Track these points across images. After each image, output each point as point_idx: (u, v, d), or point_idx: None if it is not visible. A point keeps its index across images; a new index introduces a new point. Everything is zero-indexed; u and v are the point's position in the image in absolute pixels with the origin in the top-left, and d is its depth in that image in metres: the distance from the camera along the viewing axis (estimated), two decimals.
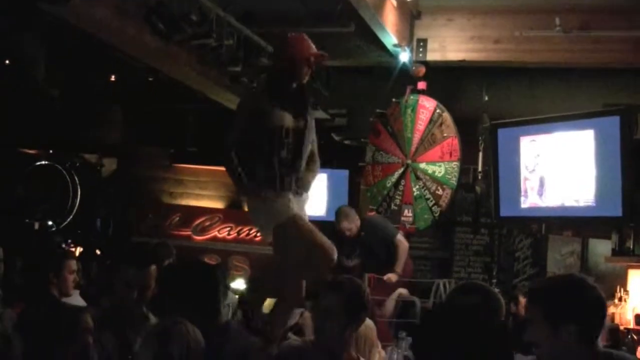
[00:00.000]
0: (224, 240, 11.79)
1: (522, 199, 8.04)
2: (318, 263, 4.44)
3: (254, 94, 4.90)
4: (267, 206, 4.48)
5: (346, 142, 10.19)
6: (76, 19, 6.66)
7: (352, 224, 7.64)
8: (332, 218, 7.99)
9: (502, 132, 8.35)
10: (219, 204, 12.19)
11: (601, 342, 6.85)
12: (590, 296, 2.84)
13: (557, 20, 8.05)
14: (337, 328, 3.58)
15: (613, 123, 7.33)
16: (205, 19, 7.28)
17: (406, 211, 8.83)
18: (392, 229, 7.71)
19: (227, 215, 11.90)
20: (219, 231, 11.81)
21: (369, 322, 4.26)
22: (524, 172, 8.01)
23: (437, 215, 8.74)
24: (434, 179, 8.73)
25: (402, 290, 7.26)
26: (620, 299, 7.43)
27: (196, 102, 10.09)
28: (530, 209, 8.00)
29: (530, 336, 2.88)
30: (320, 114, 9.75)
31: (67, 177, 11.07)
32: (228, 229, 11.78)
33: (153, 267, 4.11)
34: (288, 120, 4.50)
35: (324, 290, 3.66)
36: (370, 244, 7.60)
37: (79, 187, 10.94)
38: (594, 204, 7.51)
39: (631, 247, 7.90)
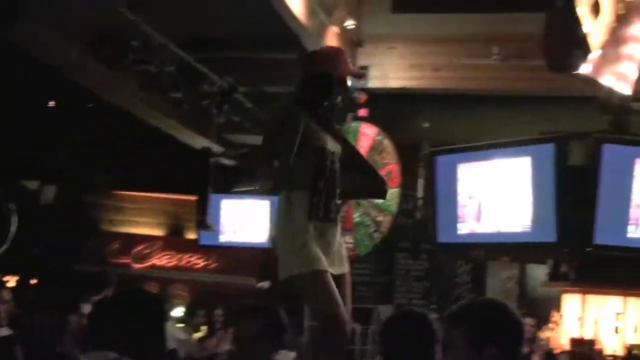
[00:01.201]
0: (163, 267, 11.72)
1: (460, 225, 8.13)
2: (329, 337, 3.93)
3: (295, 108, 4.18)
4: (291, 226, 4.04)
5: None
6: (22, 42, 6.61)
7: None
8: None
9: (440, 159, 8.46)
10: (158, 232, 12.12)
11: None
12: (512, 320, 2.88)
13: (495, 49, 8.21)
14: None
15: (548, 150, 7.49)
16: (147, 45, 7.29)
17: (347, 238, 8.87)
18: None
19: (167, 242, 11.83)
20: (158, 259, 11.74)
21: None
22: (462, 199, 8.11)
23: (377, 241, 8.80)
24: (374, 205, 8.78)
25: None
26: (555, 323, 7.54)
27: (138, 129, 10.05)
28: (468, 235, 8.10)
29: None
30: (257, 140, 9.79)
31: (2, 204, 10.89)
32: (168, 256, 11.72)
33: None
34: (330, 142, 4.11)
35: None
36: None
37: (15, 214, 10.77)
38: (530, 230, 7.64)
39: (566, 272, 8.03)
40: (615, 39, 7.59)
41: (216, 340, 9.02)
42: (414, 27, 8.81)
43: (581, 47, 7.43)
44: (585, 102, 7.73)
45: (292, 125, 3.96)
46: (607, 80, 7.48)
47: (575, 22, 7.36)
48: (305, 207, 3.99)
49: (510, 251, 9.36)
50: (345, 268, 4.09)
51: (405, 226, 10.20)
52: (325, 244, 3.99)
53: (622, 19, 7.58)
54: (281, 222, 4.07)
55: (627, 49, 7.56)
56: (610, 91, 7.46)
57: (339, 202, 4.14)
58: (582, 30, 7.42)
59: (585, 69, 7.44)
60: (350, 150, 4.29)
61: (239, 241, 10.18)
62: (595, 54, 7.48)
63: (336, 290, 3.87)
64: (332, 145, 4.09)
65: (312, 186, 4.00)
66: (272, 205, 9.97)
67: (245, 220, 10.15)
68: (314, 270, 3.87)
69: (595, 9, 7.52)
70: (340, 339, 3.86)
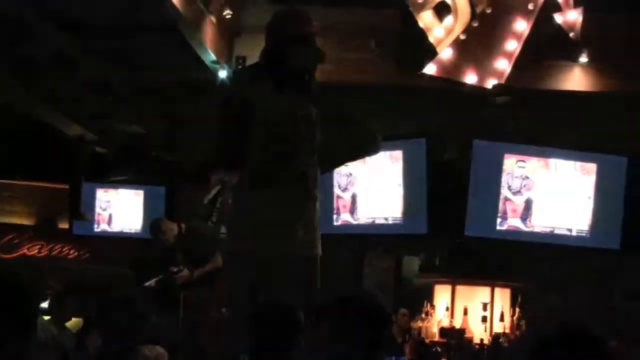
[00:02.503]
0: (34, 257, 11.40)
1: (335, 216, 8.22)
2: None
3: (235, 85, 4.39)
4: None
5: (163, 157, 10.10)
6: None
7: (167, 235, 7.62)
8: (148, 234, 7.92)
9: None
10: (29, 221, 11.78)
11: (408, 355, 7.10)
12: (376, 311, 2.94)
13: (374, 43, 8.30)
14: None
15: (420, 145, 7.66)
16: (21, 28, 7.07)
17: (223, 228, 8.82)
18: (215, 244, 7.77)
19: (38, 232, 11.52)
20: (29, 249, 11.43)
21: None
22: (336, 190, 8.20)
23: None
24: None
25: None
26: (427, 314, 7.72)
27: (9, 114, 9.73)
28: (343, 226, 8.19)
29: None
30: (137, 129, 9.65)
31: None
32: (39, 246, 11.42)
33: None
34: (290, 105, 4.08)
35: None
36: (193, 252, 7.62)
37: None
38: (402, 222, 7.80)
39: (437, 263, 8.23)
40: (480, 36, 7.85)
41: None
42: None
43: (424, 47, 7.72)
44: (460, 98, 7.93)
45: (223, 119, 4.06)
46: (470, 78, 7.74)
47: (415, 23, 7.64)
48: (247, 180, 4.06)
49: (385, 242, 9.52)
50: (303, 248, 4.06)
51: None
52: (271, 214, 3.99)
53: (488, 17, 7.84)
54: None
55: (497, 45, 7.82)
56: (478, 88, 7.70)
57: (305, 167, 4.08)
58: (423, 32, 7.68)
59: (430, 69, 7.72)
60: (327, 109, 4.23)
61: (114, 231, 10.01)
62: (446, 53, 7.72)
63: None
64: (293, 108, 4.05)
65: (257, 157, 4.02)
66: (146, 195, 9.85)
67: (119, 210, 9.99)
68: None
69: (446, 9, 7.76)
70: None
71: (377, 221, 7.97)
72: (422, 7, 7.84)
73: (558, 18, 7.72)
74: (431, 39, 7.85)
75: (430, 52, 7.82)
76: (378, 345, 2.95)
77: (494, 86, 7.71)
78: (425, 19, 7.85)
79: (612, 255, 7.84)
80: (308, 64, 4.16)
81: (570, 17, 7.73)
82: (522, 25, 7.74)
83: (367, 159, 7.94)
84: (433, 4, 7.84)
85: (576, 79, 8.37)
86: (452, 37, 7.83)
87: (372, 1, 8.16)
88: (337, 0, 8.33)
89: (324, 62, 4.24)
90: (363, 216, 8.10)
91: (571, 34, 7.72)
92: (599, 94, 8.30)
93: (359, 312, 2.94)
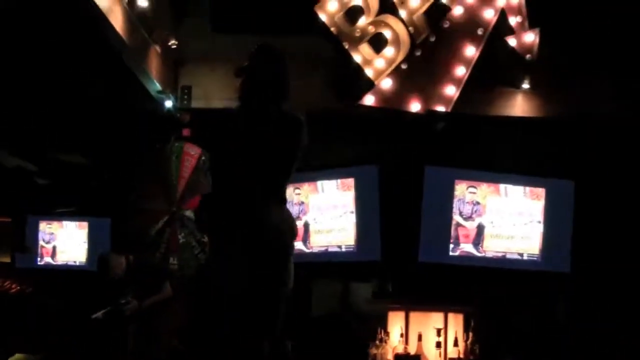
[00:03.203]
0: None
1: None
2: None
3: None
4: None
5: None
6: None
7: (116, 270, 7.49)
8: (93, 267, 7.76)
9: None
10: None
11: None
12: None
13: (318, 71, 8.31)
14: None
15: (372, 172, 7.68)
16: None
17: (171, 259, 8.71)
18: (163, 273, 7.66)
19: None
20: None
21: None
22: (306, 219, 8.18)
23: (203, 262, 8.69)
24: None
25: None
26: (381, 340, 7.70)
27: None
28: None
29: None
30: (79, 159, 9.49)
31: None
32: None
33: None
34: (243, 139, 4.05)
35: None
36: (142, 284, 7.49)
37: None
38: (355, 249, 7.80)
39: (389, 290, 8.23)
40: (425, 63, 7.94)
41: None
42: (235, 47, 8.77)
43: (360, 79, 7.82)
44: (407, 125, 7.98)
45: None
46: (414, 106, 7.81)
47: (346, 56, 7.75)
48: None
49: (335, 270, 9.49)
50: None
51: None
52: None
53: (432, 45, 7.94)
54: None
55: (444, 71, 7.90)
56: (420, 115, 7.77)
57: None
58: (357, 65, 7.79)
59: (369, 100, 7.79)
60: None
61: (58, 264, 9.79)
62: (386, 83, 7.80)
63: None
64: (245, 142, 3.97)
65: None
66: (91, 227, 9.68)
67: (64, 242, 9.78)
68: None
69: (383, 41, 7.87)
70: None
71: (330, 249, 7.96)
72: (359, 41, 7.92)
73: (512, 41, 7.83)
74: (370, 71, 7.93)
75: (367, 84, 7.91)
76: None
77: (428, 112, 7.78)
78: (364, 51, 7.93)
79: (563, 278, 7.94)
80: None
81: (527, 39, 7.84)
82: (471, 51, 7.84)
83: (319, 187, 7.97)
84: (369, 37, 7.93)
85: (520, 104, 8.51)
86: (392, 67, 7.92)
87: (310, 29, 8.19)
88: (276, 29, 8.34)
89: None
90: (316, 244, 8.08)
91: (527, 56, 7.83)
92: (543, 119, 8.44)
93: None
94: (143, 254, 8.42)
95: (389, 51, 7.90)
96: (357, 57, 7.93)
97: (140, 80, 8.08)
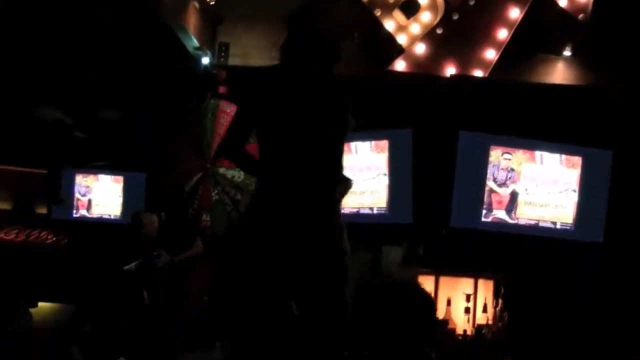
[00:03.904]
0: (11, 242, 11.21)
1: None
2: None
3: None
4: None
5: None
6: None
7: (149, 229, 7.56)
8: (128, 221, 7.85)
9: None
10: (6, 205, 11.60)
11: None
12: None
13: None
14: None
15: (406, 135, 7.62)
16: None
17: (204, 216, 8.76)
18: (195, 230, 7.75)
19: (15, 216, 11.33)
20: (5, 233, 11.23)
21: None
22: None
23: (235, 220, 8.72)
24: (233, 184, 8.70)
25: None
26: None
27: None
28: None
29: None
30: (117, 115, 9.54)
31: None
32: (16, 231, 11.23)
33: None
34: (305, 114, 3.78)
35: None
36: (173, 238, 7.60)
37: None
38: (387, 212, 7.77)
39: (420, 254, 8.21)
40: (463, 27, 7.84)
41: None
42: (273, 5, 8.74)
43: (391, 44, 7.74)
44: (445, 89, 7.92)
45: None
46: (449, 70, 7.72)
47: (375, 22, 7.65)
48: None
49: (366, 232, 9.47)
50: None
51: None
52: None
53: (472, 8, 7.82)
54: None
55: (484, 34, 7.80)
56: (465, 79, 7.70)
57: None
58: (386, 32, 7.68)
59: (399, 65, 7.71)
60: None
61: (93, 217, 9.88)
62: (419, 48, 7.70)
63: None
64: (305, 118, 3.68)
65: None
66: (126, 182, 9.74)
67: (99, 195, 9.86)
68: None
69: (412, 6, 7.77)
70: None
71: (362, 211, 7.93)
72: (392, 7, 7.83)
73: (562, 1, 7.67)
74: (404, 37, 7.85)
75: (399, 50, 7.83)
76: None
77: (460, 77, 7.68)
78: (398, 17, 7.85)
79: (595, 249, 7.85)
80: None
81: None
82: (515, 13, 7.69)
83: (353, 148, 7.94)
84: (400, 2, 7.85)
85: (561, 72, 8.40)
86: (424, 32, 7.85)
87: None
88: None
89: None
90: (347, 205, 8.04)
91: (580, 16, 7.67)
92: (584, 88, 8.32)
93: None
94: (176, 211, 8.49)
95: (425, 16, 7.81)
96: (390, 24, 7.85)
97: (178, 36, 8.09)
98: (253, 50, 8.87)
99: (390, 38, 7.91)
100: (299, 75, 3.74)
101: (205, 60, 8.64)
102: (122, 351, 6.88)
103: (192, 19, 8.13)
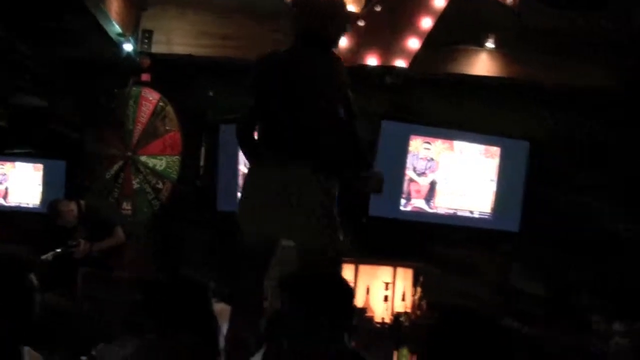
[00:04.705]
0: None
1: (240, 194, 8.13)
2: None
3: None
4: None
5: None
6: None
7: (66, 217, 7.42)
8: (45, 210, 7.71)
9: (223, 128, 8.43)
10: None
11: None
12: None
13: (282, 22, 8.21)
14: None
15: None
16: None
17: (125, 204, 8.67)
18: (115, 218, 7.63)
19: None
20: None
21: None
22: (242, 168, 8.14)
23: (156, 208, 8.67)
24: (154, 172, 8.63)
25: None
26: None
27: None
28: None
29: None
30: (37, 102, 9.37)
31: None
32: None
33: None
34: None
35: None
36: (91, 228, 7.45)
37: None
38: None
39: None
40: (385, 17, 7.84)
41: None
42: None
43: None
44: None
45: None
46: (372, 61, 7.73)
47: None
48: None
49: None
50: None
51: (186, 194, 10.07)
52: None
53: None
54: None
55: (407, 24, 7.80)
56: (387, 68, 7.70)
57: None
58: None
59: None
60: None
61: (10, 205, 9.68)
62: (341, 42, 7.68)
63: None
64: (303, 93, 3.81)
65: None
66: (46, 169, 9.57)
67: (17, 183, 9.66)
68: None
69: None
70: None
71: None
72: None
73: None
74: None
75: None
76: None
77: (383, 68, 7.69)
78: None
79: (511, 238, 7.98)
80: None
81: None
82: (440, 1, 7.71)
83: None
84: None
85: (483, 64, 8.48)
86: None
87: None
88: None
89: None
90: None
91: (508, 1, 7.70)
92: (505, 80, 8.43)
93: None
94: (96, 199, 8.37)
95: (348, 9, 7.77)
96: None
97: (99, 21, 7.96)
98: (177, 38, 8.79)
99: None
100: (303, 56, 3.91)
101: (128, 47, 8.52)
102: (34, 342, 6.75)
103: (115, 5, 7.99)
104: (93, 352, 4.54)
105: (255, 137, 3.96)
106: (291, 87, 3.81)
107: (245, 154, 4.01)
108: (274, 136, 3.83)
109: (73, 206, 7.56)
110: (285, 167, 3.74)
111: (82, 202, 7.69)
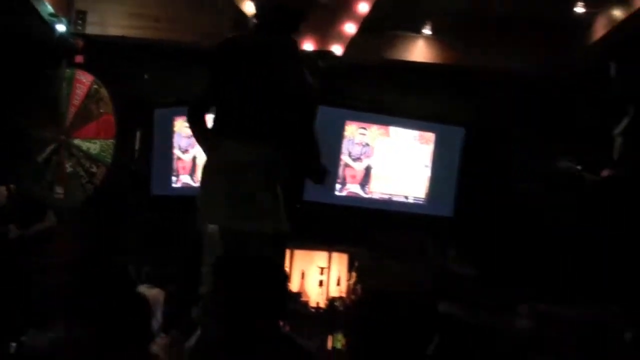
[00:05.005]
0: None
1: (174, 178, 8.09)
2: None
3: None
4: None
5: None
6: None
7: None
8: None
9: (158, 112, 8.34)
10: None
11: None
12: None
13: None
14: None
15: None
16: None
17: (57, 188, 8.54)
18: (46, 203, 7.55)
19: None
20: None
21: None
22: (177, 152, 8.07)
23: (90, 192, 8.55)
24: (88, 156, 8.51)
25: None
26: None
27: None
28: (182, 188, 8.07)
29: None
30: None
31: None
32: None
33: None
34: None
35: None
36: (24, 211, 7.34)
37: None
38: None
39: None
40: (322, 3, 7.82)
41: None
42: None
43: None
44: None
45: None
46: (307, 46, 7.72)
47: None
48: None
49: None
50: None
51: (121, 178, 9.95)
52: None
53: None
54: None
55: (343, 7, 7.80)
56: (320, 53, 7.70)
57: None
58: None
59: None
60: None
61: None
62: None
63: None
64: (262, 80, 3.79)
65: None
66: None
67: None
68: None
69: None
70: None
71: None
72: None
73: None
74: None
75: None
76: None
77: (317, 52, 7.69)
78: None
79: (446, 223, 8.05)
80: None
81: None
82: None
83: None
84: None
85: (420, 50, 8.53)
86: None
87: None
88: None
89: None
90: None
91: None
92: (439, 66, 8.49)
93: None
94: (27, 183, 8.23)
95: None
96: (249, 5, 7.75)
97: (30, 1, 7.81)
98: (111, 19, 8.65)
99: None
100: (264, 41, 3.88)
101: (61, 28, 8.36)
102: None
103: None
104: (23, 338, 4.50)
105: (206, 121, 3.94)
106: (250, 74, 3.83)
107: (195, 136, 3.99)
108: (229, 121, 3.84)
109: (3, 190, 7.44)
110: (237, 151, 3.75)
111: (12, 186, 7.56)
